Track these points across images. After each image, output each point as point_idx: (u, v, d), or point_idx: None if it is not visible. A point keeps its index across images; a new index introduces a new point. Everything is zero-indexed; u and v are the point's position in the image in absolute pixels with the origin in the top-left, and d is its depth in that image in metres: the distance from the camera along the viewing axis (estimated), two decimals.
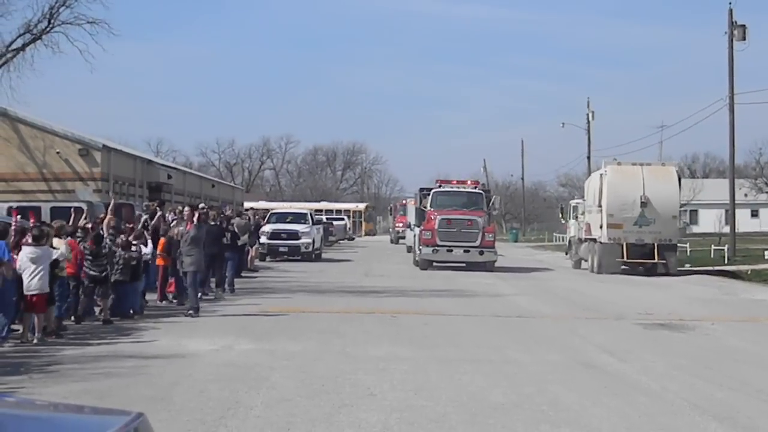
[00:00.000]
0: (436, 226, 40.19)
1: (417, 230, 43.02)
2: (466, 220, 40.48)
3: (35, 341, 16.59)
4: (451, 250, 40.21)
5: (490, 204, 43.82)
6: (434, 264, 41.07)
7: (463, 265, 40.49)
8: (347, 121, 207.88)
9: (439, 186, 44.67)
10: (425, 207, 42.56)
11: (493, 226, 43.34)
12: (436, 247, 40.19)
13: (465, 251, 40.16)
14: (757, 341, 18.93)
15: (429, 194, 43.30)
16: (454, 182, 46.39)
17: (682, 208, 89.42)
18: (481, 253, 40.21)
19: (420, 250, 41.25)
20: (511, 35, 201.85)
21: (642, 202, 39.58)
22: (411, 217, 52.20)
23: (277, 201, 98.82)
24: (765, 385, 13.56)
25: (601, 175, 41.95)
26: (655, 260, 39.71)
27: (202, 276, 26.07)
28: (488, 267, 40.04)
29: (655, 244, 39.69)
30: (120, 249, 20.86)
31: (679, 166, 47.20)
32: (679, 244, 51.26)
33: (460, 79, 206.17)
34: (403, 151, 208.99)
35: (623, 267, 40.09)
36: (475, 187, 44.84)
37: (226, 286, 27.18)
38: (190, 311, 21.10)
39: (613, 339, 18.35)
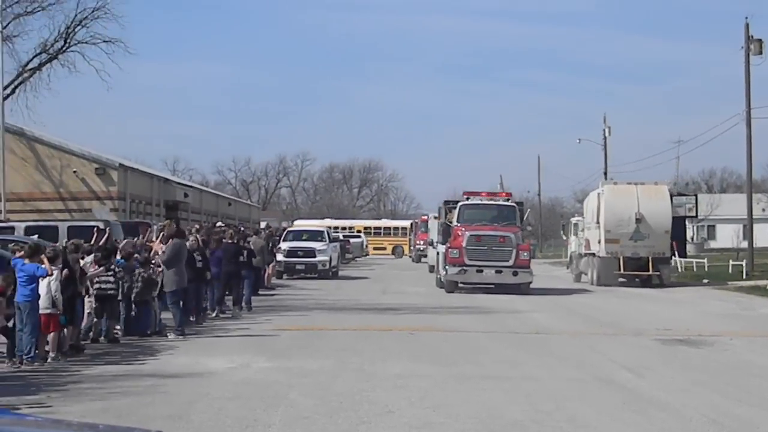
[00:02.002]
0: (464, 244, 35.92)
1: (441, 248, 38.92)
2: (498, 236, 36.17)
3: (50, 360, 16.64)
4: (481, 271, 35.78)
5: (524, 219, 40.33)
6: (460, 285, 36.93)
7: (492, 286, 36.42)
8: (363, 138, 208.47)
9: (467, 198, 39.63)
10: (451, 222, 38.54)
11: (528, 244, 39.46)
12: (464, 267, 35.78)
13: (497, 272, 35.71)
14: None
15: (455, 208, 39.11)
16: (484, 194, 41.09)
17: (700, 224, 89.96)
18: (515, 273, 35.78)
19: (445, 270, 36.77)
20: (527, 51, 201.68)
21: (637, 219, 42.25)
22: (433, 234, 48.97)
23: (330, 218, 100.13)
24: None
25: (598, 194, 44.64)
26: (650, 272, 42.29)
27: (218, 294, 26.11)
28: (523, 289, 35.69)
29: (650, 257, 42.20)
30: (139, 266, 20.90)
31: (671, 185, 49.81)
32: (696, 260, 52.22)
33: (476, 94, 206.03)
34: (419, 167, 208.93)
35: (620, 279, 42.55)
36: (507, 200, 40.53)
37: (243, 304, 27.18)
38: (178, 330, 20.61)
39: (632, 355, 18.28)
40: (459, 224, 37.47)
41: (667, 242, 42.69)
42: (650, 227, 42.15)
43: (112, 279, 19.59)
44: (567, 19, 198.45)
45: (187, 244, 22.71)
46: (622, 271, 42.21)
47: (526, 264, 36.36)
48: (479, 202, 39.47)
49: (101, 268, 19.36)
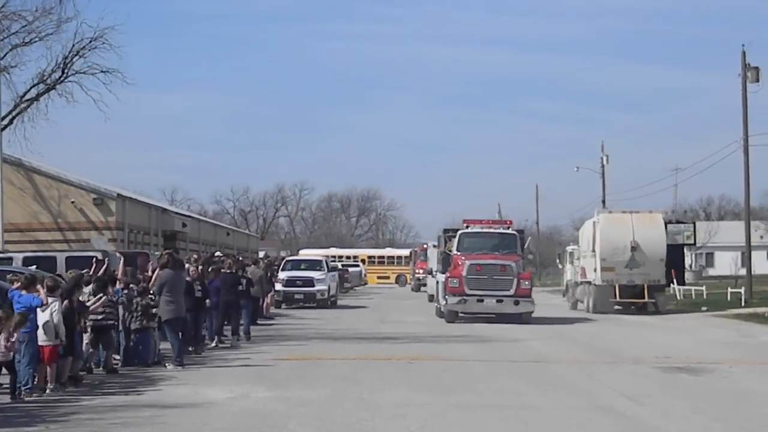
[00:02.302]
0: (464, 273, 35.44)
1: (441, 277, 38.42)
2: (499, 265, 35.66)
3: (49, 391, 16.60)
4: (482, 300, 35.22)
5: (525, 247, 39.91)
6: (460, 315, 36.27)
7: (493, 316, 35.75)
8: (361, 167, 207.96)
9: (467, 227, 38.96)
10: (450, 250, 37.93)
11: (529, 272, 38.90)
12: (465, 297, 35.21)
13: (498, 301, 35.19)
14: None
15: (455, 236, 38.46)
16: (489, 222, 40.79)
17: (698, 251, 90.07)
18: (517, 303, 35.18)
19: (445, 299, 36.15)
20: (526, 79, 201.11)
21: (632, 247, 43.02)
22: (433, 263, 47.98)
23: (342, 247, 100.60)
24: None
25: (594, 223, 45.36)
26: (645, 300, 42.98)
27: (217, 323, 26.06)
28: (524, 319, 35.13)
29: (645, 285, 42.80)
30: (137, 296, 20.88)
31: (666, 213, 50.56)
32: (695, 287, 52.63)
33: (475, 123, 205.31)
34: (417, 196, 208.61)
35: (616, 307, 43.33)
36: (508, 228, 39.70)
37: (242, 333, 27.16)
38: (177, 360, 20.54)
39: (631, 383, 18.26)
40: (459, 253, 36.92)
41: (662, 270, 43.26)
42: (645, 255, 42.72)
43: (108, 309, 19.54)
44: (566, 48, 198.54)
45: (187, 274, 22.79)
46: (617, 299, 42.84)
47: (527, 293, 35.80)
48: (479, 230, 38.83)
49: (101, 300, 19.25)
